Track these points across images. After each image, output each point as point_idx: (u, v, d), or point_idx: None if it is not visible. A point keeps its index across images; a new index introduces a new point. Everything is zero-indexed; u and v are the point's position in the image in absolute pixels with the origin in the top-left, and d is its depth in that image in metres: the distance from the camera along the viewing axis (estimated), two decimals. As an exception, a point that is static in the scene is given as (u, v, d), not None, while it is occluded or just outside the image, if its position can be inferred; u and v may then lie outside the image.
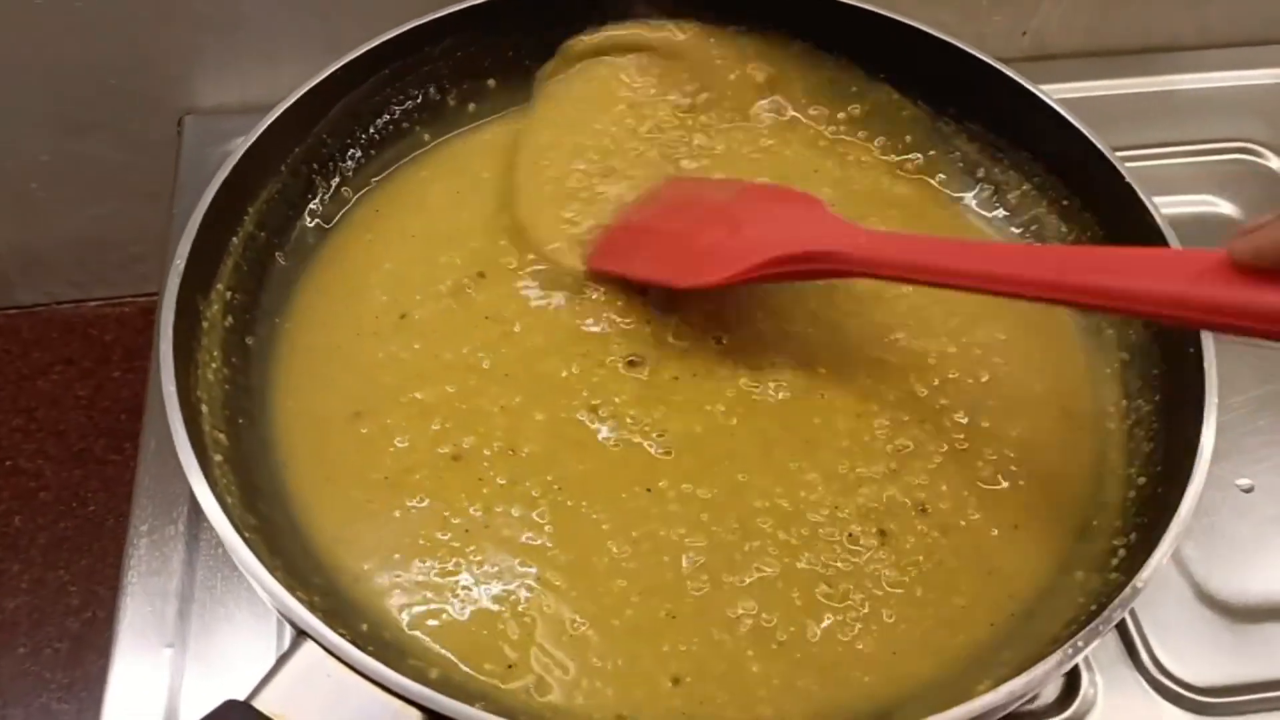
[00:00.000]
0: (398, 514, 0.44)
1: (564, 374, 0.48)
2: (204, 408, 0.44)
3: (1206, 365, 0.44)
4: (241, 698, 0.34)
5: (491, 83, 0.59)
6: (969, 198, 0.57)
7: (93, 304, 0.78)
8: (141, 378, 0.75)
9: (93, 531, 0.69)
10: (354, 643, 0.35)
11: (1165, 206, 0.49)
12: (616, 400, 0.47)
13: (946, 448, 0.47)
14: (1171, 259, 0.37)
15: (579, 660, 0.40)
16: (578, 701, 0.40)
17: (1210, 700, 0.47)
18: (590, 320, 0.50)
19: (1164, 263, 0.36)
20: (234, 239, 0.50)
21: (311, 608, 0.36)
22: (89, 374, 0.75)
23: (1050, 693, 0.47)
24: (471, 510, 0.44)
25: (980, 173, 0.58)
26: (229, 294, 0.48)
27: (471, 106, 0.58)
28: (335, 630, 0.35)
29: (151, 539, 0.50)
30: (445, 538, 0.43)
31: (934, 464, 0.46)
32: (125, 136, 0.68)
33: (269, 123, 0.50)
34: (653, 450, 0.46)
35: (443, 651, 0.41)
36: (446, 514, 0.44)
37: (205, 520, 0.50)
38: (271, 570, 0.37)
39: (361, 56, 0.54)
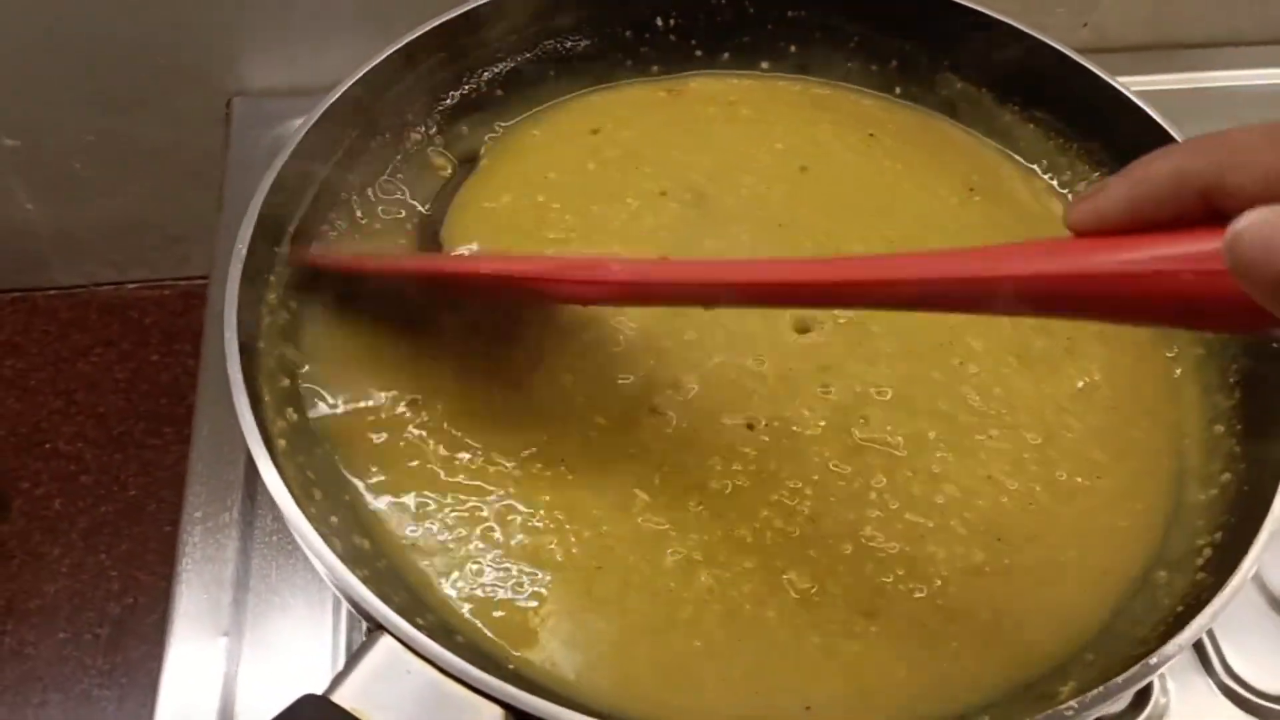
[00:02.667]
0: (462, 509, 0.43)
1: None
2: (265, 395, 0.44)
3: (1291, 358, 0.43)
4: (318, 692, 0.34)
5: (552, 68, 0.58)
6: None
7: (131, 286, 0.77)
8: (180, 361, 0.74)
9: (133, 516, 0.68)
10: (433, 637, 0.34)
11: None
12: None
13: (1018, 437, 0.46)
14: (1017, 247, 0.31)
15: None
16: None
17: (1285, 708, 0.46)
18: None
19: (1005, 252, 0.31)
20: (291, 225, 0.49)
21: (388, 601, 0.35)
22: (128, 356, 0.74)
23: (1122, 699, 0.46)
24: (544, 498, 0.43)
25: (1044, 163, 0.57)
26: (288, 278, 0.47)
27: (542, 86, 0.58)
28: (414, 624, 0.34)
29: (205, 526, 0.49)
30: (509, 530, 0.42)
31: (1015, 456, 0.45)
32: (170, 116, 0.67)
33: (328, 104, 0.49)
34: None
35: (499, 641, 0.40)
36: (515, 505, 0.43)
37: (260, 508, 0.50)
38: (347, 563, 0.36)
39: (417, 39, 0.53)
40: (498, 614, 0.40)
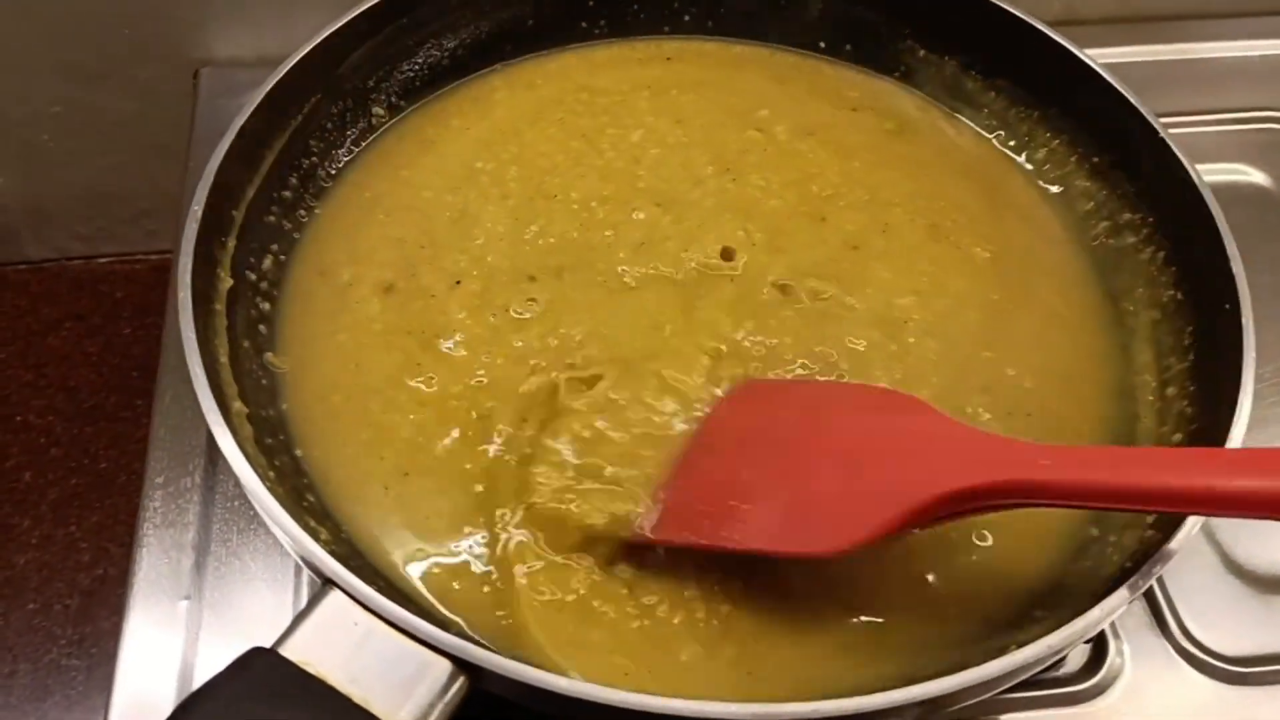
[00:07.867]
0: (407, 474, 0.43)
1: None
2: (222, 357, 0.44)
3: (1244, 322, 0.43)
4: (267, 646, 0.34)
5: (514, 29, 0.58)
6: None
7: (103, 260, 0.77)
8: (152, 335, 0.74)
9: (103, 488, 0.68)
10: (382, 591, 0.34)
11: (1196, 174, 0.48)
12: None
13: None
14: None
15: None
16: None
17: (1238, 669, 0.47)
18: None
19: None
20: (250, 187, 0.49)
21: (338, 556, 0.35)
22: (99, 330, 0.74)
23: (1078, 659, 0.46)
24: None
25: (1003, 133, 0.57)
26: (246, 241, 0.47)
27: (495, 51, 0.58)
28: (364, 579, 0.34)
29: (167, 491, 0.49)
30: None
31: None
32: (137, 87, 0.67)
33: (284, 72, 0.49)
34: None
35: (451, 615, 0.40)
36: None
37: (221, 473, 0.50)
38: (299, 520, 0.36)
39: (376, 6, 0.53)
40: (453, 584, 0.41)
